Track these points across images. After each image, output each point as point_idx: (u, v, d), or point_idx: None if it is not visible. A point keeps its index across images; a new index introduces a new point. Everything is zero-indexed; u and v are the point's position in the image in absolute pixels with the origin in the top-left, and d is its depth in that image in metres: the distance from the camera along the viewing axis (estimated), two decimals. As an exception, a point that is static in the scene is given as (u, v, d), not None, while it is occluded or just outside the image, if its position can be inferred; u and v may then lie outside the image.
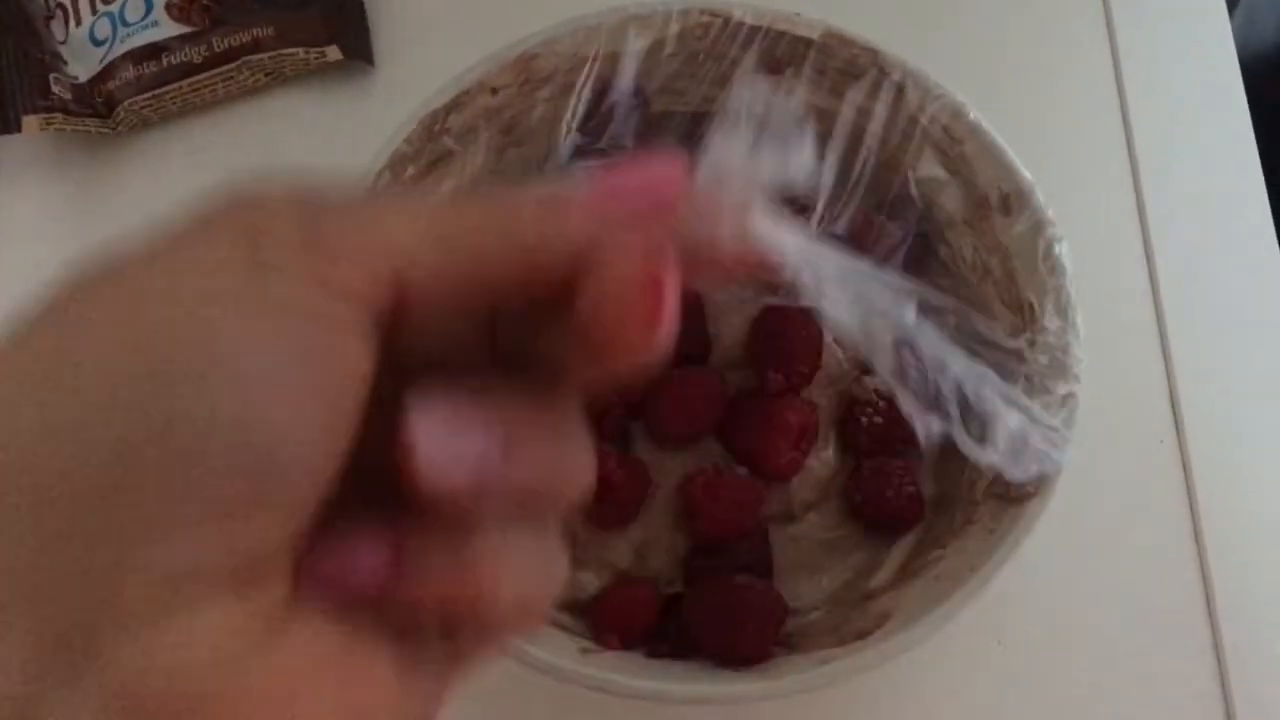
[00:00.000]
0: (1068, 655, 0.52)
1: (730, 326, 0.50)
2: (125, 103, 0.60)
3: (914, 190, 0.55)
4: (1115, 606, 0.53)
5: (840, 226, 0.52)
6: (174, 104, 0.61)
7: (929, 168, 0.54)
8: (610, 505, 0.48)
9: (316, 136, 0.61)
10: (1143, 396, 0.58)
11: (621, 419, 0.48)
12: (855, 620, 0.46)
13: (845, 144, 0.55)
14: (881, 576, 0.49)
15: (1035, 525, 0.45)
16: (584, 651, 0.45)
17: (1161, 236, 0.61)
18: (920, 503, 0.50)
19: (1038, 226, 0.50)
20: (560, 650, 0.44)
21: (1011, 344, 0.51)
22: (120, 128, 0.60)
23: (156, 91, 0.60)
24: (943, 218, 0.55)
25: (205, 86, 0.61)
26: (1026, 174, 0.51)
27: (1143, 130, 0.64)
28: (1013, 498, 0.46)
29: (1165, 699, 0.52)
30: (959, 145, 0.52)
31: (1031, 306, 0.50)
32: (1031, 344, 0.50)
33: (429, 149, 0.53)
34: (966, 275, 0.54)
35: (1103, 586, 0.53)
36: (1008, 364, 0.51)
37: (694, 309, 0.50)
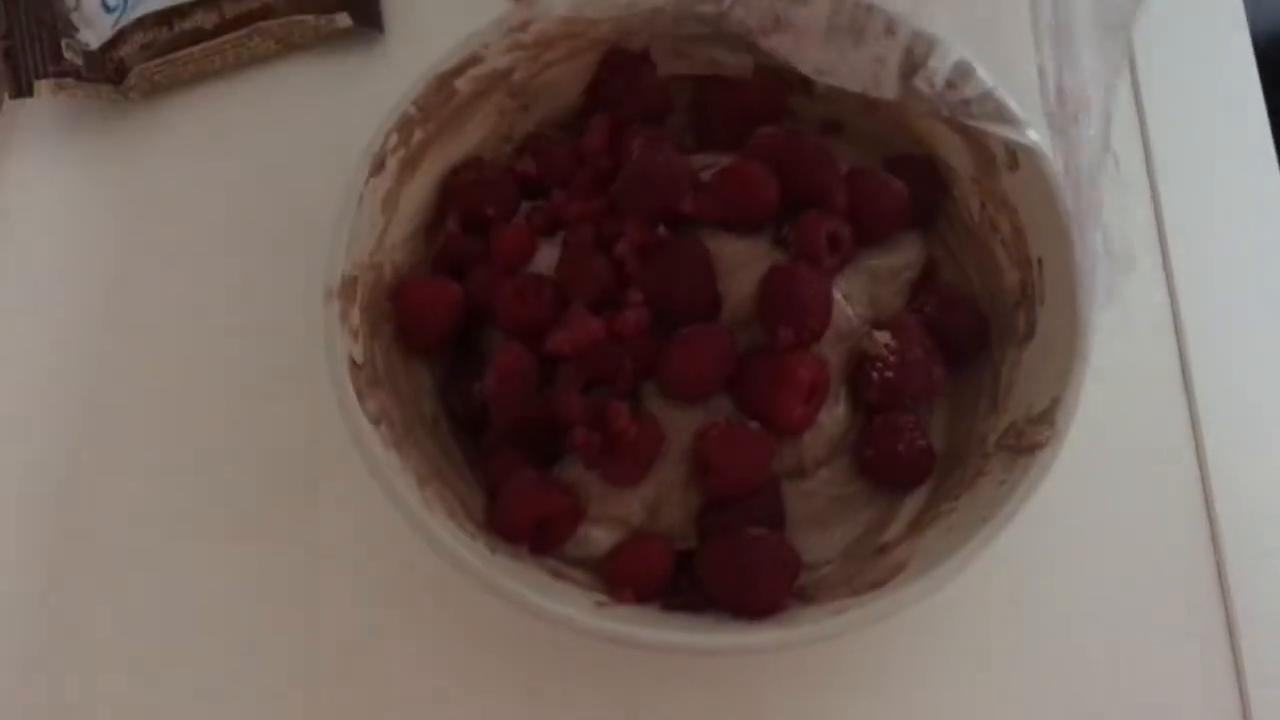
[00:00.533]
0: (1080, 614, 0.52)
1: (739, 284, 0.50)
2: (137, 69, 0.60)
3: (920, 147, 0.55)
4: (1127, 565, 0.53)
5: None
6: (186, 71, 0.61)
7: (934, 125, 0.54)
8: (623, 461, 0.48)
9: (327, 103, 0.61)
10: (1152, 341, 0.58)
11: (634, 377, 0.49)
12: (869, 572, 0.46)
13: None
14: (894, 530, 0.49)
15: (1046, 475, 0.45)
16: (599, 605, 0.45)
17: (1171, 194, 0.61)
18: (931, 456, 0.50)
19: (1045, 183, 0.50)
20: (575, 603, 0.45)
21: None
22: (132, 94, 0.60)
23: (168, 58, 0.60)
24: (948, 174, 0.55)
25: (216, 53, 0.61)
26: (1033, 131, 0.51)
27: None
28: (1023, 448, 0.46)
29: (1177, 659, 0.52)
30: (965, 102, 0.52)
31: (1039, 263, 0.50)
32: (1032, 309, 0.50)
33: (438, 113, 0.53)
34: (975, 231, 0.54)
35: (1115, 543, 0.53)
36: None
37: (702, 267, 0.50)
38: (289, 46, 0.62)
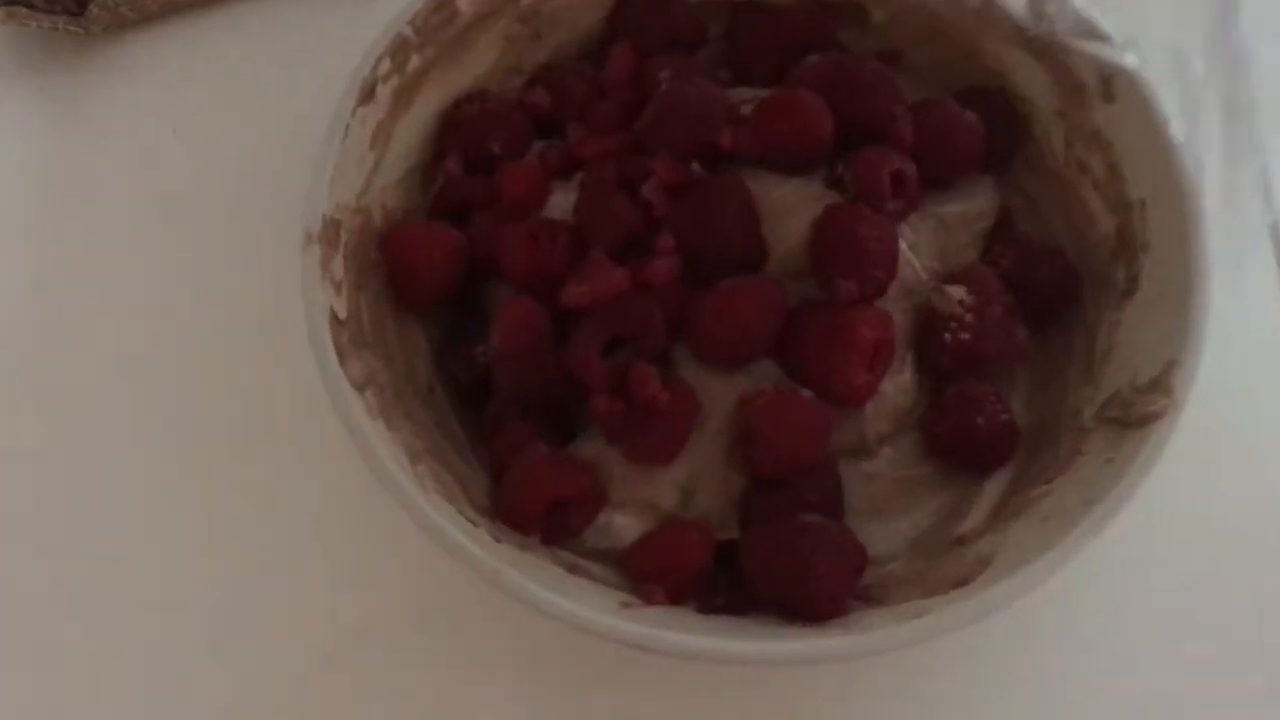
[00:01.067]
0: (1166, 641, 0.44)
1: (788, 228, 0.43)
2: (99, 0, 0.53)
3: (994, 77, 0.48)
4: (1253, 568, 0.45)
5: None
6: (154, 3, 0.54)
7: (1010, 51, 0.47)
8: (652, 435, 0.40)
9: (313, 38, 0.54)
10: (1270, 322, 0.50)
11: (665, 336, 0.41)
12: (947, 567, 0.39)
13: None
14: (972, 521, 0.42)
15: (1163, 451, 0.38)
16: (625, 606, 0.38)
17: None
18: (1015, 433, 0.43)
19: (1149, 113, 0.43)
20: (598, 604, 0.38)
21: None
22: (94, 27, 0.54)
23: (133, -11, 0.54)
24: (1027, 109, 0.47)
25: (187, -15, 0.54)
26: (1132, 56, 0.44)
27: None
28: (1133, 421, 0.39)
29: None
30: (1047, 24, 0.45)
31: (1142, 204, 0.43)
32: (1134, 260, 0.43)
33: (437, 37, 0.46)
34: (1060, 174, 0.47)
35: (1238, 543, 0.45)
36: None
37: (744, 209, 0.42)
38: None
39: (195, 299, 0.50)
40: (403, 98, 0.45)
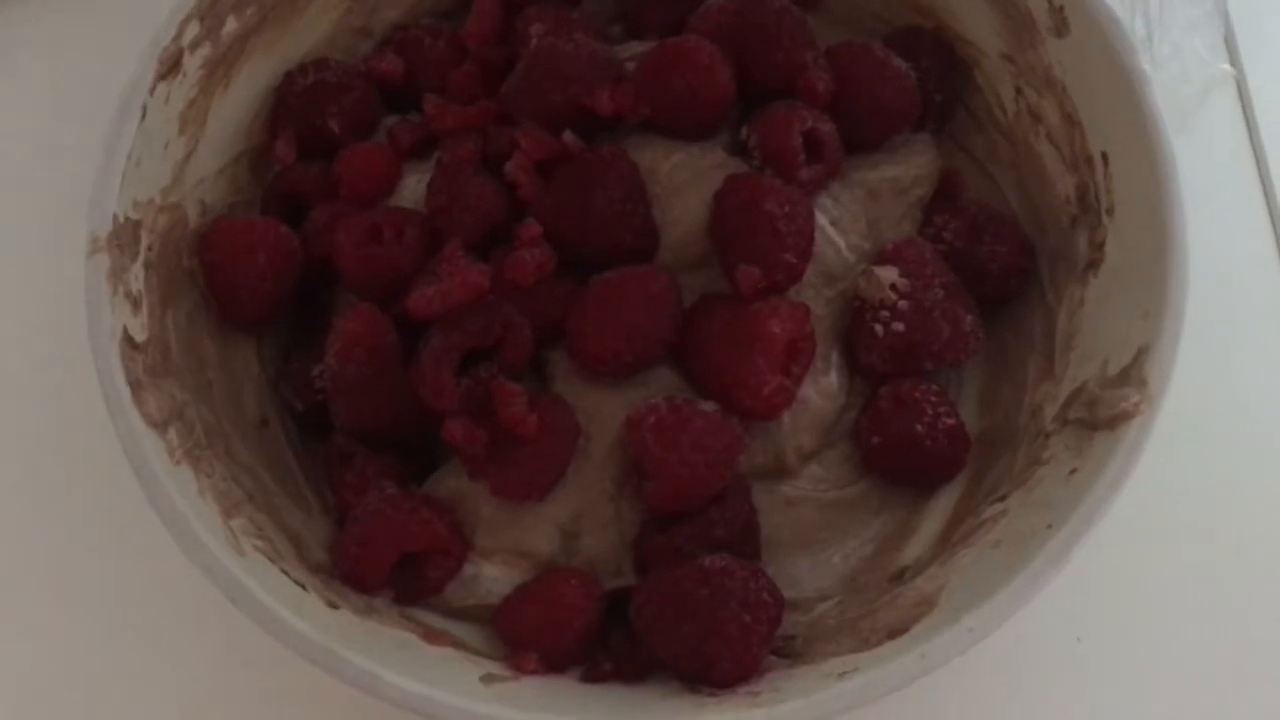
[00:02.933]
0: (1172, 656, 0.39)
1: (683, 207, 0.36)
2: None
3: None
4: (1239, 583, 0.40)
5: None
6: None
7: (949, -16, 0.40)
8: (522, 466, 0.34)
9: (128, 15, 0.47)
10: (1260, 295, 0.44)
11: (533, 344, 0.34)
12: (883, 612, 0.33)
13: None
14: (915, 548, 0.36)
15: (1138, 458, 0.31)
16: (488, 680, 0.32)
17: (1273, 126, 0.47)
18: (964, 440, 0.37)
19: (1107, 45, 0.36)
20: (452, 680, 0.31)
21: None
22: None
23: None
24: (969, 52, 0.40)
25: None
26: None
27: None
28: (1101, 422, 0.32)
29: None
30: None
31: (1104, 159, 0.36)
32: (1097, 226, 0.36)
33: (262, -6, 0.38)
34: (1009, 128, 0.40)
35: (1221, 554, 0.40)
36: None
37: (628, 186, 0.35)
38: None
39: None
40: (219, 70, 0.38)
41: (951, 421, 0.36)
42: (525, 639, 0.33)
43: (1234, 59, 0.47)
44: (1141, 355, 0.33)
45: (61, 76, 0.47)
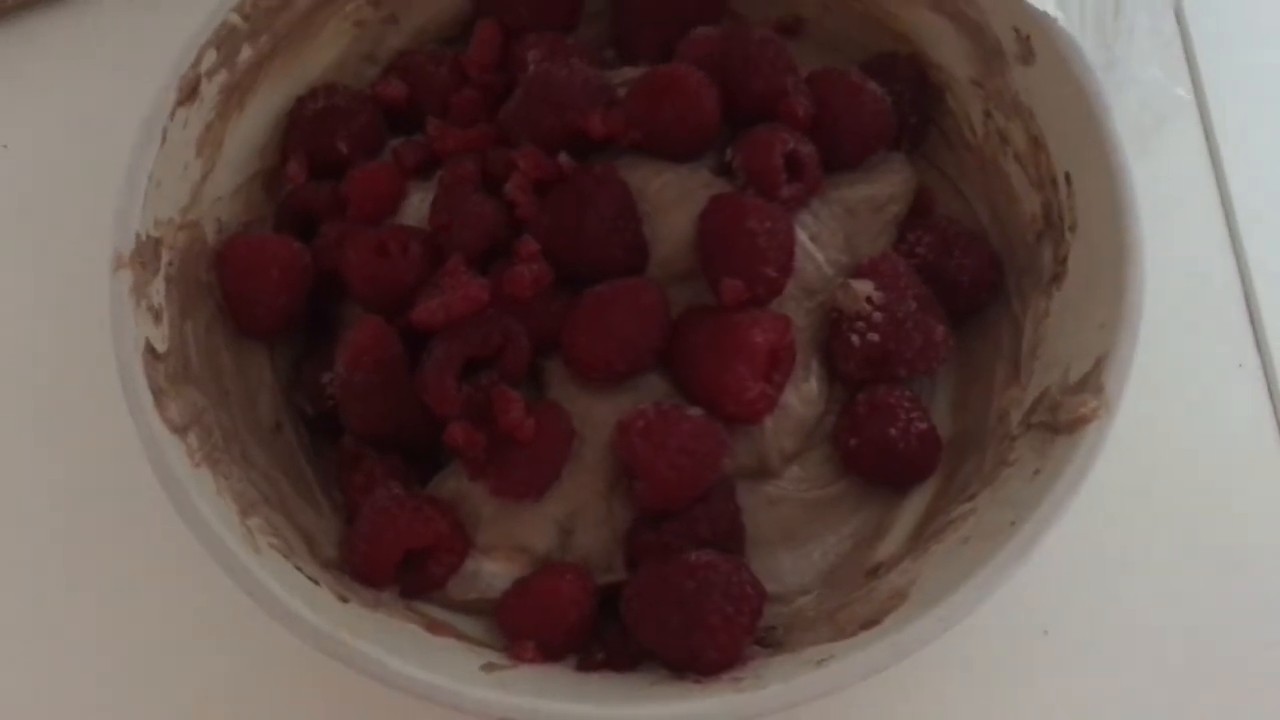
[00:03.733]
0: (1134, 646, 0.41)
1: (671, 224, 0.38)
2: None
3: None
4: (1195, 577, 0.42)
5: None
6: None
7: (919, 13, 0.42)
8: (520, 468, 0.36)
9: (150, 36, 0.48)
10: (1217, 314, 0.46)
11: (530, 353, 0.36)
12: (858, 604, 0.35)
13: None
14: (890, 544, 0.38)
15: (1095, 460, 0.33)
16: (489, 668, 0.33)
17: (1233, 146, 0.49)
18: (936, 443, 0.38)
19: (1070, 73, 0.38)
20: (455, 668, 0.33)
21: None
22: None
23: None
24: (941, 78, 0.42)
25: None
26: (1050, 2, 0.39)
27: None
28: (1062, 426, 0.34)
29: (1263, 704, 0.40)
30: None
31: (1067, 179, 0.38)
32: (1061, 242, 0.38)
33: (273, 24, 0.41)
34: (979, 149, 0.42)
35: (1177, 550, 0.42)
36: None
37: (619, 205, 0.37)
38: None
39: (19, 331, 0.45)
40: (234, 95, 0.40)
41: (924, 425, 0.38)
42: (523, 629, 0.35)
43: (1195, 81, 0.49)
44: (1100, 364, 0.34)
45: (83, 98, 0.49)
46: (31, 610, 0.41)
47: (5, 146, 0.48)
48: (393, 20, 0.44)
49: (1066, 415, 0.34)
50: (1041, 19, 0.38)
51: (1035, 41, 0.39)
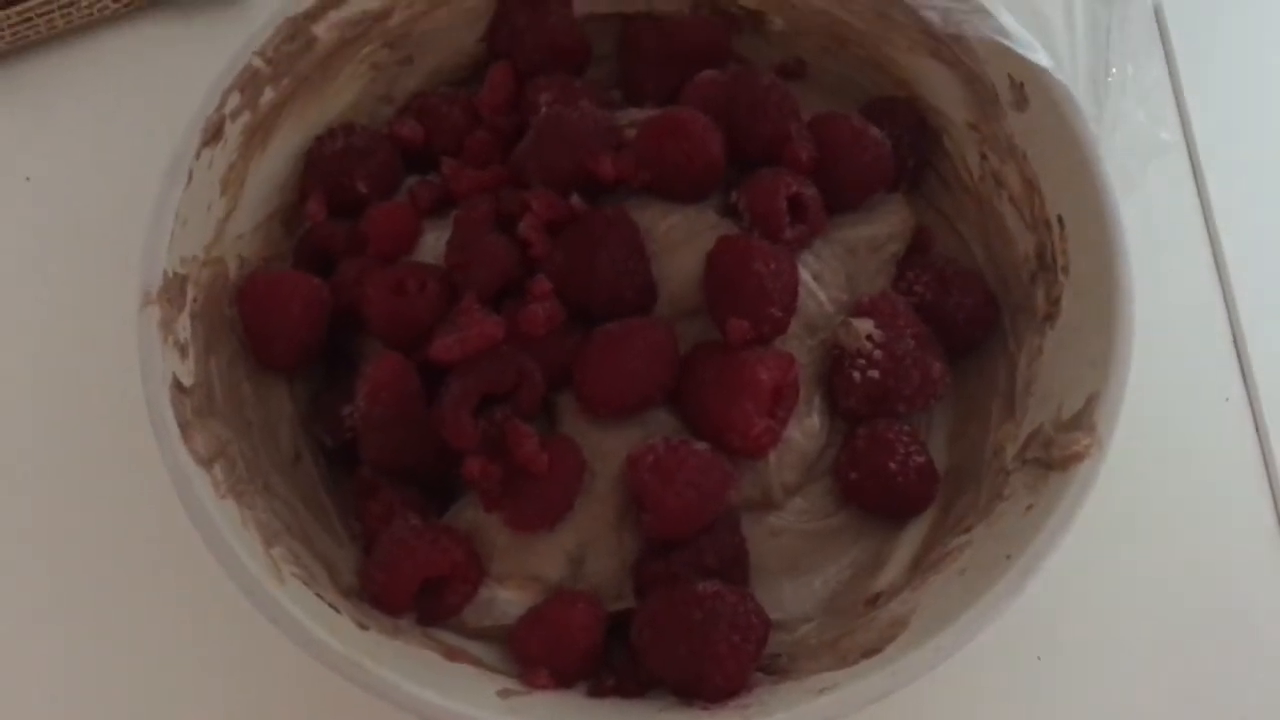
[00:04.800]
0: (1123, 671, 0.42)
1: (679, 263, 0.39)
2: (-62, 40, 0.49)
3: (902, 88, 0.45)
4: (1182, 606, 0.43)
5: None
6: (1, 40, 0.50)
7: (918, 60, 0.43)
8: (534, 500, 0.37)
9: (175, 73, 0.50)
10: (1204, 348, 0.47)
11: (544, 389, 0.38)
12: (860, 633, 0.36)
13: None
14: (889, 574, 0.39)
15: (1087, 496, 0.35)
16: (504, 694, 0.34)
17: (1220, 188, 0.51)
18: (933, 477, 0.40)
19: (1062, 119, 0.39)
20: (472, 694, 0.34)
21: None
22: (-67, 70, 0.50)
23: (-22, 26, 0.50)
24: (939, 121, 0.44)
25: (40, 16, 0.50)
26: (1043, 55, 0.40)
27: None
28: (1055, 462, 0.36)
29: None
30: (956, 27, 0.42)
31: (1060, 221, 0.40)
32: (1054, 283, 0.39)
33: (294, 67, 0.42)
34: (975, 190, 0.44)
35: (1166, 581, 0.43)
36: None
37: (629, 245, 0.39)
38: (132, 6, 0.51)
39: (32, 365, 0.46)
40: (257, 135, 0.41)
41: (922, 459, 0.39)
42: (537, 657, 0.36)
43: (1184, 124, 0.51)
44: (1091, 402, 0.36)
45: (105, 132, 0.50)
46: (61, 642, 0.42)
47: (28, 179, 0.50)
48: (408, 61, 0.45)
49: (1059, 452, 0.36)
50: (1034, 68, 0.40)
51: (1029, 89, 0.40)
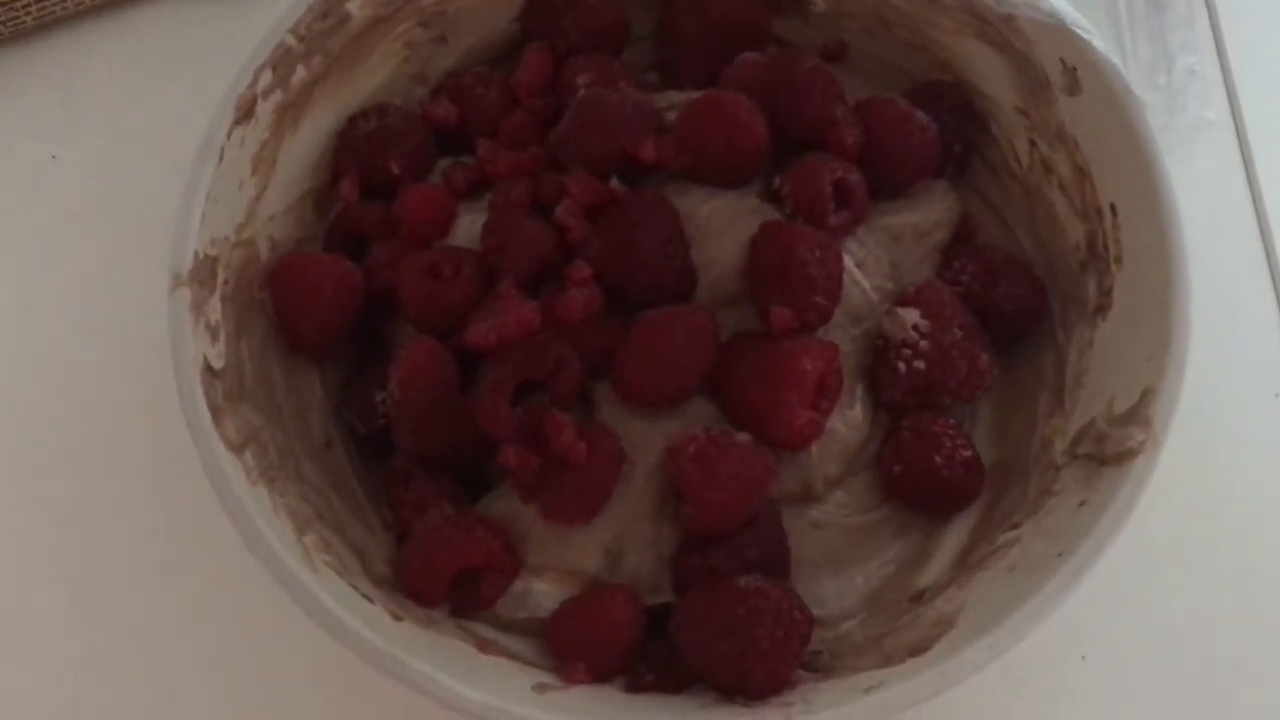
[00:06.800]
0: (1171, 673, 0.41)
1: (719, 250, 0.38)
2: (-36, 15, 0.48)
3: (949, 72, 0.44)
4: (1229, 605, 0.42)
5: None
6: (29, 16, 0.50)
7: (965, 42, 0.42)
8: (571, 491, 0.36)
9: (202, 49, 0.50)
10: (1253, 341, 0.46)
11: (582, 376, 0.37)
12: (905, 631, 0.35)
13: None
14: (934, 570, 0.38)
15: (1142, 493, 0.34)
16: (540, 688, 0.34)
17: (1270, 178, 0.49)
18: (979, 471, 0.39)
19: (1117, 105, 0.38)
20: (508, 688, 0.33)
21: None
22: (-41, 46, 0.49)
23: (4, 1, 0.49)
24: (986, 106, 0.43)
25: (61, -4, 0.49)
26: (1097, 40, 0.39)
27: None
28: (1108, 458, 0.35)
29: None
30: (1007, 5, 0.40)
31: (1113, 210, 0.39)
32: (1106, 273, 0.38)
33: (326, 45, 0.41)
34: (1023, 177, 0.42)
35: (1215, 581, 0.42)
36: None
37: (669, 231, 0.38)
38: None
39: (62, 347, 0.45)
40: (288, 115, 0.41)
41: (968, 453, 0.38)
42: (573, 650, 0.35)
43: (1234, 111, 0.49)
44: (1147, 396, 0.35)
45: (132, 110, 0.50)
46: (86, 624, 0.41)
47: (54, 157, 0.49)
48: (442, 41, 0.44)
49: (1113, 448, 0.35)
50: (1088, 51, 0.39)
51: (1082, 73, 0.39)
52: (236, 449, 0.35)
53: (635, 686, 0.35)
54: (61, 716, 0.41)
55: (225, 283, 0.38)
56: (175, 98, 0.48)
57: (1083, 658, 0.41)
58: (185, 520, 0.41)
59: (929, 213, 0.41)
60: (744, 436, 0.36)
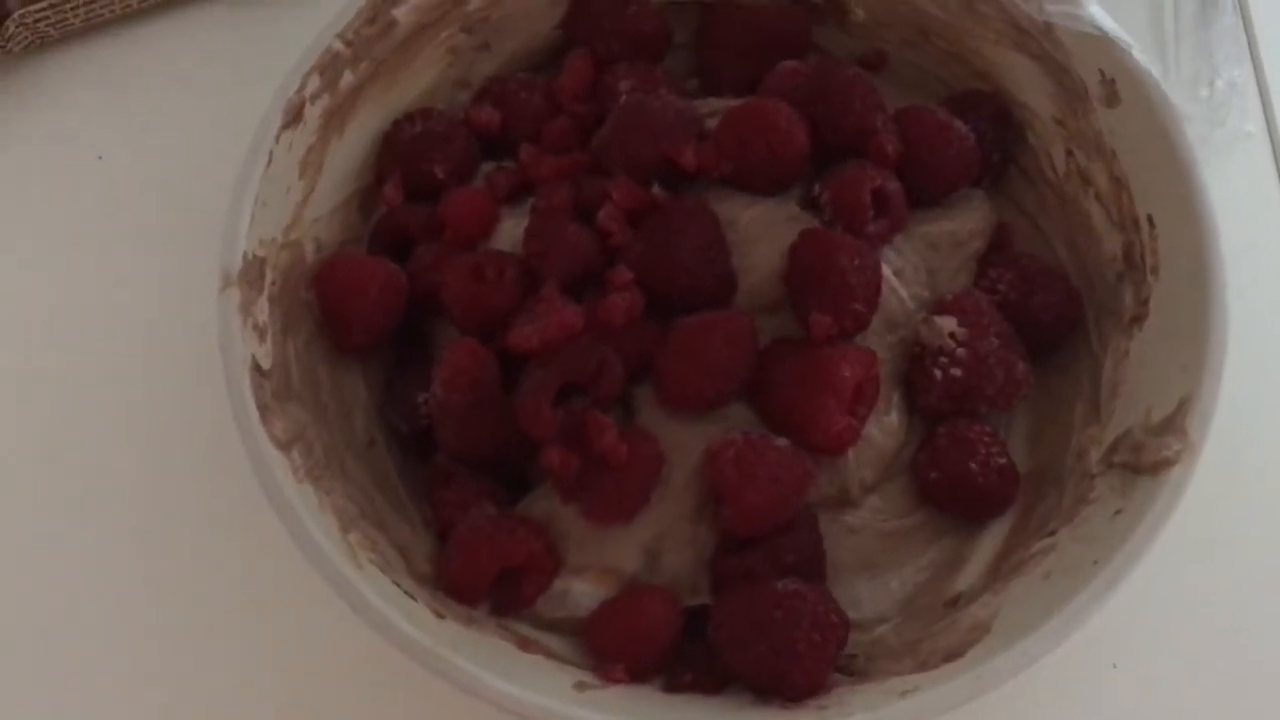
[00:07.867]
0: (1202, 684, 0.41)
1: (759, 256, 0.39)
2: (17, 15, 0.49)
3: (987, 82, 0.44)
4: (1264, 615, 0.42)
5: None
6: (76, 18, 0.50)
7: (1004, 53, 0.42)
8: (611, 492, 0.36)
9: (248, 52, 0.50)
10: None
11: (623, 380, 0.37)
12: (940, 635, 0.35)
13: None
14: (968, 576, 0.39)
15: (1178, 502, 0.34)
16: (580, 687, 0.34)
17: None
18: (1014, 478, 0.39)
19: (1156, 118, 0.39)
20: (548, 686, 0.34)
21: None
22: (12, 46, 0.50)
23: (55, 4, 0.50)
24: (1023, 115, 0.43)
25: (114, -3, 0.50)
26: (1138, 52, 0.40)
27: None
28: (1145, 467, 0.35)
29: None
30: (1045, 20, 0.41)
31: (1150, 221, 0.39)
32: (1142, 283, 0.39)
33: (373, 50, 0.42)
34: (1059, 187, 0.43)
35: (1248, 591, 0.42)
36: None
37: (710, 237, 0.38)
38: (205, -13, 0.52)
39: (111, 347, 0.46)
40: (335, 119, 0.41)
41: (1003, 460, 0.39)
42: (612, 650, 0.36)
43: (1270, 121, 0.50)
44: (1184, 406, 0.35)
45: (179, 111, 0.50)
46: (133, 621, 0.42)
47: (100, 158, 0.50)
48: (485, 47, 0.45)
49: (1150, 457, 0.35)
50: (1128, 63, 0.39)
51: (1120, 85, 0.40)
52: (284, 447, 0.36)
53: (673, 686, 0.35)
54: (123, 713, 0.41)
55: (272, 283, 0.39)
56: (221, 101, 0.48)
57: (1113, 666, 0.41)
58: (229, 519, 0.41)
59: (966, 221, 0.42)
60: (782, 441, 0.37)
